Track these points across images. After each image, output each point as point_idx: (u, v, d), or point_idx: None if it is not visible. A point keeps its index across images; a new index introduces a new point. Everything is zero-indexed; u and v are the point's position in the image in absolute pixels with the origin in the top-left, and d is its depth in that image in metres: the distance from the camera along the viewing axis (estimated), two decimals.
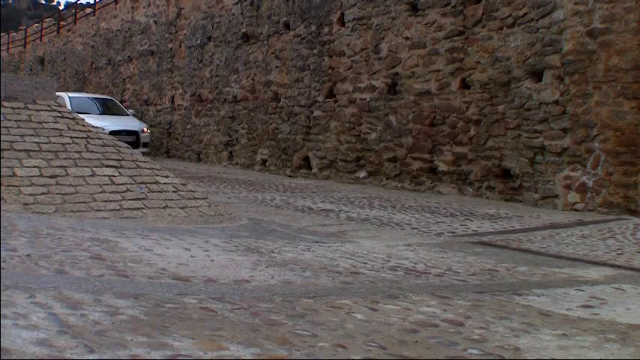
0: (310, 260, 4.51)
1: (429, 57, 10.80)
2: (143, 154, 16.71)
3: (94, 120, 15.55)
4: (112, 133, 14.83)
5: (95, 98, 18.02)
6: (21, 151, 5.95)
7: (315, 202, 8.87)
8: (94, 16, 24.50)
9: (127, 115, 17.37)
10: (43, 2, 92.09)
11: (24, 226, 4.60)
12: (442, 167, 10.59)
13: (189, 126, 17.68)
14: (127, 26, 21.32)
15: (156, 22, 19.56)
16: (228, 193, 9.43)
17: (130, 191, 6.09)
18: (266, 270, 3.98)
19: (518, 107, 9.37)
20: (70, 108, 16.15)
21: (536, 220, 7.82)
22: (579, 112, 8.57)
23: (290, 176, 13.55)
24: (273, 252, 4.72)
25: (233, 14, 15.93)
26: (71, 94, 17.46)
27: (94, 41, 23.78)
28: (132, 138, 15.67)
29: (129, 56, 21.11)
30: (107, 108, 17.37)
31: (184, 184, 6.75)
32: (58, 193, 5.65)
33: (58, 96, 17.24)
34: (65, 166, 6.01)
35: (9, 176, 5.59)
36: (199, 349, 2.28)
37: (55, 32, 27.94)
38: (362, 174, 12.07)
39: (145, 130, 16.76)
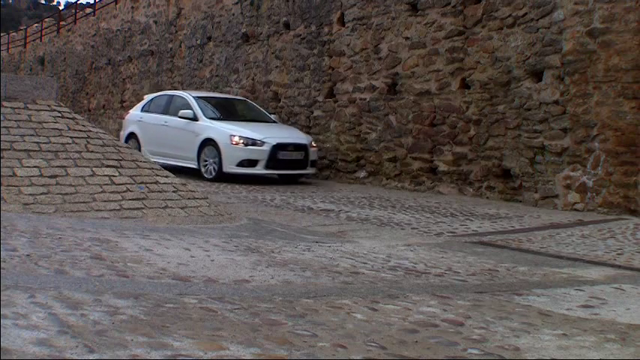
0: (310, 260, 4.51)
1: (429, 57, 10.79)
2: (305, 175, 11.95)
3: (241, 129, 11.30)
4: (277, 147, 11.03)
5: (226, 99, 13.51)
6: (21, 151, 5.95)
7: (315, 202, 8.86)
8: (94, 16, 24.50)
9: (274, 121, 12.61)
10: (43, 2, 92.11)
11: (24, 226, 4.60)
12: (442, 167, 10.59)
13: None
14: (127, 26, 21.32)
15: (156, 22, 19.56)
16: (228, 193, 9.43)
17: (130, 191, 6.09)
18: (266, 270, 3.98)
19: (518, 107, 9.37)
20: (199, 112, 11.78)
21: (536, 220, 7.82)
22: (579, 112, 8.57)
23: None
24: (273, 252, 4.72)
25: (233, 14, 15.93)
26: (195, 94, 12.90)
27: (94, 41, 23.78)
28: (300, 155, 11.33)
29: (129, 56, 21.11)
30: (243, 112, 12.84)
31: (184, 184, 6.75)
32: (58, 193, 5.65)
33: (178, 96, 12.74)
34: (65, 166, 6.01)
35: (9, 176, 5.59)
36: (199, 349, 2.28)
37: (55, 32, 27.94)
38: (362, 174, 12.07)
39: (313, 144, 11.88)
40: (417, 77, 11.00)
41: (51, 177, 5.81)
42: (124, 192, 6.04)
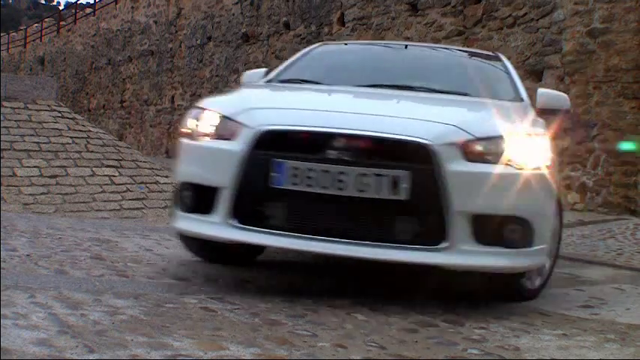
0: (310, 260, 4.50)
1: None
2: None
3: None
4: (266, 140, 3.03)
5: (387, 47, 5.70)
6: (21, 151, 5.95)
7: None
8: (94, 16, 24.50)
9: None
10: (43, 2, 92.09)
11: (24, 226, 4.60)
12: None
13: None
14: (127, 26, 21.31)
15: (156, 22, 19.55)
16: None
17: (130, 191, 6.09)
18: (266, 270, 3.97)
19: None
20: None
21: None
22: (579, 112, 8.56)
23: None
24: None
25: (233, 14, 15.92)
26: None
27: (94, 41, 23.78)
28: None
29: (129, 56, 21.11)
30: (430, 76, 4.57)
31: None
32: (58, 193, 5.65)
33: None
34: (65, 166, 6.01)
35: (9, 176, 5.59)
36: (199, 349, 2.28)
37: (55, 32, 27.94)
38: None
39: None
40: None
41: (51, 177, 5.81)
42: (124, 192, 6.04)
